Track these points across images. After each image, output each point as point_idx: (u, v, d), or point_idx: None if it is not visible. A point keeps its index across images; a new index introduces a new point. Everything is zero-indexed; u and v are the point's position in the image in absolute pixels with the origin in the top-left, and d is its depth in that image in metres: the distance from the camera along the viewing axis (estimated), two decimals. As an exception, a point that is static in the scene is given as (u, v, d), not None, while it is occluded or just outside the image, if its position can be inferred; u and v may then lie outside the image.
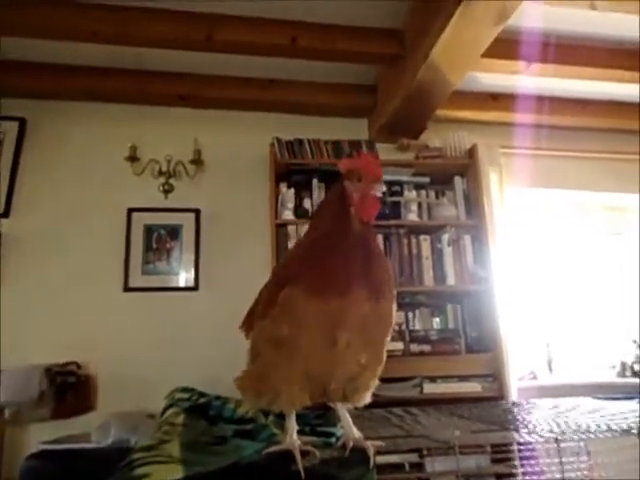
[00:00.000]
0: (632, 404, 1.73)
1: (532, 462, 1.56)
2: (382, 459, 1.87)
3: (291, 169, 2.73)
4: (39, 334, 2.51)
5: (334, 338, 0.97)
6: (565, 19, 2.42)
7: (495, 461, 2.00)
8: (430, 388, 2.43)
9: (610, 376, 3.06)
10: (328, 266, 0.96)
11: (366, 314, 0.97)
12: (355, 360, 1.02)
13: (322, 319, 0.96)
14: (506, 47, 2.45)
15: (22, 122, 2.80)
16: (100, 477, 1.03)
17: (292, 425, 1.07)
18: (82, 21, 2.31)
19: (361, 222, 1.00)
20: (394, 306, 1.05)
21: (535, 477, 1.59)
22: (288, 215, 2.63)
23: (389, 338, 1.07)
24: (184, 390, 1.89)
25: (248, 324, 1.15)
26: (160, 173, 2.82)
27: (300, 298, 0.96)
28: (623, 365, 3.06)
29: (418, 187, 2.87)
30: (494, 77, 2.84)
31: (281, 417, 1.21)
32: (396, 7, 2.40)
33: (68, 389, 2.28)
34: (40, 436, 2.19)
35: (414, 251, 2.70)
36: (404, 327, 2.62)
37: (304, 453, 1.02)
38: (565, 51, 2.54)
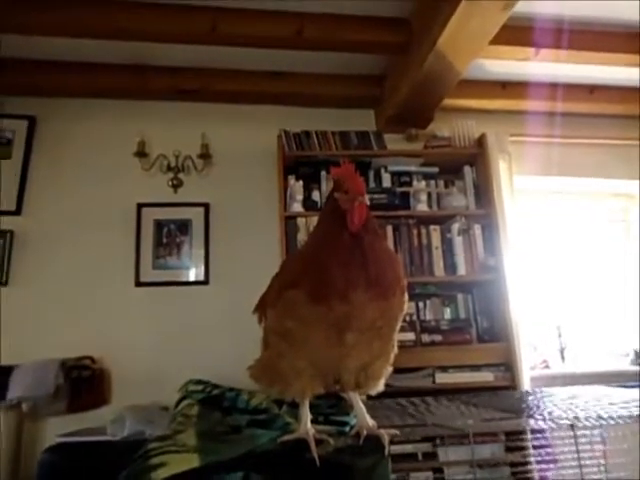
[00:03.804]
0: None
1: (547, 450, 1.56)
2: (395, 448, 1.88)
3: (299, 161, 2.73)
4: (53, 329, 2.54)
5: (341, 339, 0.98)
6: (574, 3, 2.38)
7: (509, 449, 2.01)
8: (442, 378, 2.43)
9: (623, 364, 3.04)
10: (328, 274, 0.97)
11: (373, 315, 0.98)
12: (366, 352, 1.03)
13: (327, 324, 0.97)
14: (514, 34, 2.42)
15: (31, 120, 2.82)
16: (117, 468, 1.04)
17: (306, 414, 1.08)
18: (86, 18, 2.31)
19: (350, 233, 1.00)
20: (404, 299, 1.06)
21: (550, 465, 1.59)
22: (297, 207, 2.63)
23: (399, 327, 1.08)
24: (197, 382, 1.91)
25: (261, 310, 1.16)
26: (169, 168, 2.83)
27: (303, 302, 0.97)
28: (636, 353, 3.04)
29: (427, 177, 2.86)
30: (502, 65, 2.80)
31: (294, 407, 1.22)
32: (403, -5, 2.38)
33: (83, 383, 2.30)
34: (56, 429, 2.22)
35: (424, 241, 2.68)
36: (415, 317, 2.61)
37: (318, 441, 1.03)
38: (574, 36, 2.50)
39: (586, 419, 1.26)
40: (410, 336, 2.49)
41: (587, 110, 3.18)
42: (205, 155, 2.83)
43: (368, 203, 1.02)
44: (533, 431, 1.50)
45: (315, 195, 2.70)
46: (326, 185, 2.71)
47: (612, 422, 1.26)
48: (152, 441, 1.16)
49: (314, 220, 2.49)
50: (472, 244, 2.69)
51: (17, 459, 2.20)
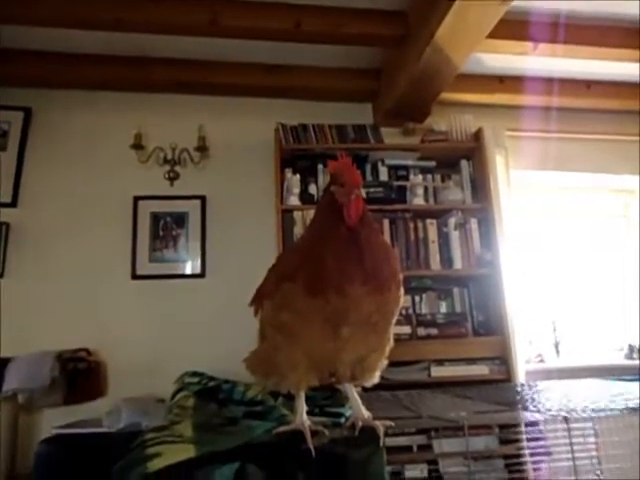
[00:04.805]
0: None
1: (540, 443, 1.57)
2: (390, 440, 1.89)
3: (296, 154, 2.73)
4: (49, 321, 2.53)
5: (337, 332, 0.99)
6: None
7: (503, 442, 2.02)
8: (438, 371, 2.44)
9: (617, 358, 3.06)
10: (324, 267, 0.97)
11: (369, 309, 0.99)
12: (361, 345, 1.04)
13: (323, 317, 0.97)
14: (512, 28, 2.41)
15: (27, 112, 2.80)
16: (113, 459, 1.04)
17: (301, 405, 1.08)
18: (84, 8, 2.30)
19: (347, 227, 1.00)
20: (400, 293, 1.06)
21: (543, 457, 1.60)
22: (294, 201, 2.63)
23: (395, 320, 1.08)
24: (194, 374, 1.91)
25: (257, 302, 1.17)
26: (165, 161, 2.82)
27: (300, 295, 0.97)
28: (630, 347, 3.06)
29: (424, 171, 2.86)
30: (500, 59, 2.80)
31: (290, 399, 1.22)
32: (401, -12, 2.37)
33: (79, 375, 2.30)
34: (52, 421, 2.21)
35: (420, 235, 2.69)
36: (411, 311, 2.62)
37: (314, 433, 1.03)
38: (572, 31, 2.50)
39: (579, 412, 1.27)
40: (406, 329, 2.50)
41: (584, 105, 3.18)
42: (202, 148, 2.82)
43: (365, 196, 1.03)
44: (527, 424, 1.51)
45: (312, 188, 2.70)
46: (323, 178, 2.70)
47: (605, 415, 1.27)
48: (148, 432, 1.16)
49: (311, 213, 2.47)
50: (468, 238, 2.70)
51: (13, 450, 2.20)
